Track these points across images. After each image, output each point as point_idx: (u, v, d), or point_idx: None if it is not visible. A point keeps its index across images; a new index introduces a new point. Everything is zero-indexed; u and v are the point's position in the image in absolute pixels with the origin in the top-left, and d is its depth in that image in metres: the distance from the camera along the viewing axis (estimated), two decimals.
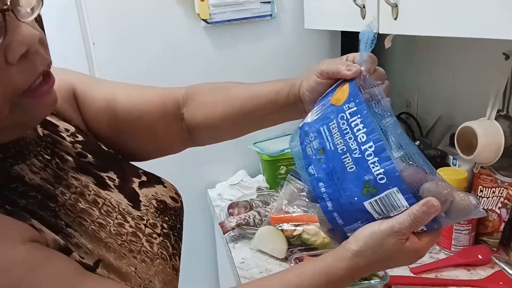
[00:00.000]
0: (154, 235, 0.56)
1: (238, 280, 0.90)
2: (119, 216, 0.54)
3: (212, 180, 1.35)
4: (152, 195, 0.61)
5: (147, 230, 0.55)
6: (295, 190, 1.03)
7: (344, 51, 1.39)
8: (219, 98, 0.66)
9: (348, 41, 1.44)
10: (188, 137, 0.69)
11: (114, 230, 0.51)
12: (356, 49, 1.40)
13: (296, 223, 0.95)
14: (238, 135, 0.71)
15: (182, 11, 1.20)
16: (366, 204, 0.49)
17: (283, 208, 1.00)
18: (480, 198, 0.95)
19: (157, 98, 0.66)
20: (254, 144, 1.32)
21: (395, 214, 0.49)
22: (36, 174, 0.49)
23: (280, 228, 0.95)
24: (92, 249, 0.47)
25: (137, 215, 0.56)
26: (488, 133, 0.82)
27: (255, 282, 0.57)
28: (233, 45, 1.27)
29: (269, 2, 1.24)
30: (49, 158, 0.52)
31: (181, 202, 0.65)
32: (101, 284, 0.44)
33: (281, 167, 1.29)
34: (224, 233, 1.04)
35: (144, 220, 0.56)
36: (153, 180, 0.63)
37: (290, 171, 1.17)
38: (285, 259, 0.93)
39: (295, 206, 1.00)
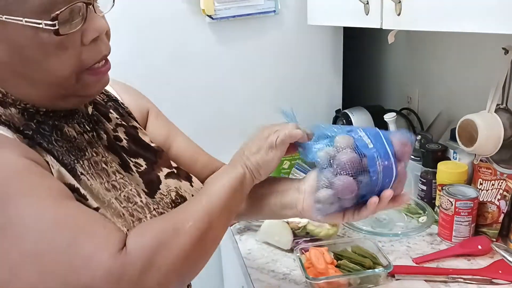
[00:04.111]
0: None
1: (245, 270, 0.92)
2: (133, 190, 0.60)
3: None
4: (175, 187, 0.67)
5: (154, 212, 0.61)
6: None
7: (346, 47, 1.41)
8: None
9: (350, 37, 1.46)
10: None
11: (124, 195, 0.58)
12: (358, 46, 1.44)
13: None
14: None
15: (187, 7, 1.21)
16: None
17: None
18: (480, 190, 0.97)
19: (200, 164, 0.78)
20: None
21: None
22: (76, 134, 0.59)
23: (285, 220, 0.97)
24: (97, 197, 0.54)
25: (146, 202, 0.61)
26: (488, 125, 0.84)
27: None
28: (237, 40, 1.28)
29: None
30: (88, 129, 0.61)
31: None
32: (82, 208, 0.50)
33: (285, 161, 1.31)
34: (230, 225, 1.06)
35: (151, 208, 0.61)
36: (183, 175, 0.70)
37: (295, 165, 1.19)
38: (291, 250, 0.95)
39: None
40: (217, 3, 1.19)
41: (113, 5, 0.57)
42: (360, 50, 1.65)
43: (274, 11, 1.27)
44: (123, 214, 0.55)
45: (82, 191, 0.52)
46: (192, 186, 0.70)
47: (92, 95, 0.60)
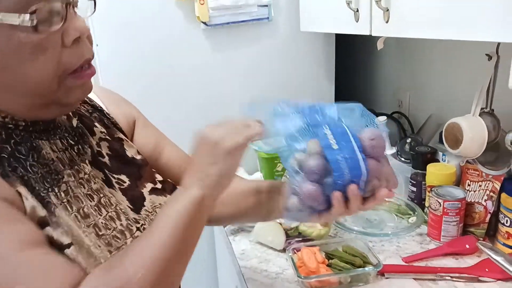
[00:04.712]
0: None
1: (239, 270, 0.94)
2: (113, 213, 0.57)
3: None
4: (160, 203, 0.64)
5: (137, 233, 0.58)
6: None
7: (338, 53, 1.44)
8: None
9: (342, 43, 1.50)
10: None
11: (102, 222, 0.55)
12: (350, 52, 1.48)
13: None
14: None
15: (182, 14, 1.24)
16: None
17: None
18: (468, 191, 1.00)
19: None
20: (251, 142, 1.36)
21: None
22: (54, 152, 0.55)
23: (278, 221, 0.99)
24: (71, 231, 0.51)
25: (133, 217, 0.59)
26: (472, 128, 0.87)
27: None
28: (231, 47, 1.31)
29: (266, 6, 1.28)
30: (72, 143, 0.59)
31: None
32: (51, 255, 0.48)
33: (278, 164, 1.33)
34: (224, 226, 1.08)
35: (139, 223, 0.59)
36: (168, 189, 0.67)
37: None
38: (284, 250, 0.98)
39: None
40: (211, 10, 1.22)
41: (94, 11, 0.55)
42: (352, 56, 1.68)
43: (268, 18, 1.30)
44: (99, 246, 0.52)
45: (53, 226, 0.50)
46: None
47: (75, 102, 0.57)
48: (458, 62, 1.17)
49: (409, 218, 1.09)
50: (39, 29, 0.46)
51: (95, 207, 0.56)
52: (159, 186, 0.67)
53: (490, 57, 0.88)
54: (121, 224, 0.57)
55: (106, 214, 0.56)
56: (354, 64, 1.72)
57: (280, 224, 0.99)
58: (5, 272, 0.44)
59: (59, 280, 0.46)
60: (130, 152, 0.67)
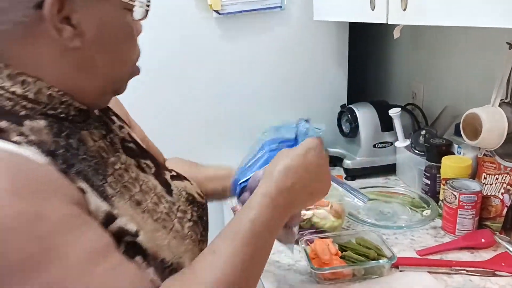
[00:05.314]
0: (185, 219, 0.61)
1: None
2: (154, 197, 0.58)
3: None
4: (182, 187, 0.66)
5: (179, 214, 0.60)
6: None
7: (351, 42, 1.42)
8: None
9: (356, 32, 1.47)
10: None
11: (150, 206, 0.56)
12: (363, 41, 1.46)
13: (306, 207, 0.99)
14: None
15: (194, 2, 1.22)
16: None
17: None
18: (484, 185, 0.98)
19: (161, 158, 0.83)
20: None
21: None
22: (96, 142, 0.55)
23: None
24: (133, 218, 0.51)
25: (170, 200, 0.61)
26: (492, 119, 0.85)
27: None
28: (244, 35, 1.29)
29: None
30: (104, 133, 0.59)
31: (206, 199, 0.72)
32: (121, 266, 0.46)
33: None
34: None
35: (176, 205, 0.61)
36: (181, 176, 0.70)
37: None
38: (296, 242, 0.96)
39: None
40: None
41: (145, 17, 0.58)
42: (365, 45, 1.66)
43: (280, 6, 1.28)
44: (157, 231, 0.54)
45: (118, 219, 0.49)
46: (191, 184, 0.70)
47: (123, 91, 0.59)
48: (476, 51, 1.14)
49: (423, 211, 1.08)
50: (137, 17, 0.54)
51: (141, 193, 0.56)
52: (174, 173, 0.68)
53: (511, 46, 0.86)
54: (164, 207, 0.58)
55: (151, 200, 0.57)
56: (367, 53, 1.69)
57: None
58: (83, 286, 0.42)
59: None
60: (140, 142, 0.68)
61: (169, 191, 0.63)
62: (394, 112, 1.18)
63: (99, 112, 0.62)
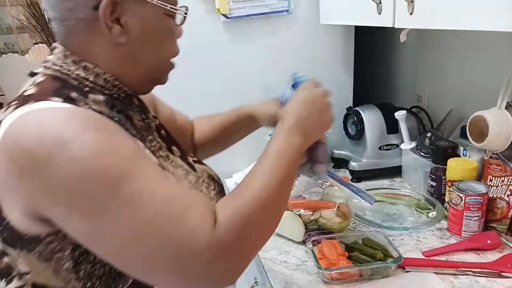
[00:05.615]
0: (210, 189, 0.72)
1: (258, 261, 0.95)
2: (183, 171, 0.70)
3: (229, 170, 1.40)
4: (204, 169, 0.77)
5: (204, 184, 0.71)
6: (312, 178, 1.07)
7: (357, 45, 1.43)
8: (207, 127, 1.00)
9: (362, 36, 1.48)
10: (194, 153, 0.97)
11: (181, 176, 0.68)
12: (369, 45, 1.47)
13: (313, 208, 1.00)
14: (222, 149, 1.04)
15: (202, 6, 1.24)
16: None
17: (301, 194, 1.05)
18: (490, 187, 0.99)
19: (188, 122, 0.99)
20: (269, 135, 1.37)
21: None
22: (138, 121, 0.68)
23: (297, 213, 1.00)
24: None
25: (195, 174, 0.72)
26: (498, 121, 0.86)
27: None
28: (251, 39, 1.31)
29: None
30: (143, 117, 0.71)
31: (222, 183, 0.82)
32: (181, 185, 0.63)
33: None
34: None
35: (201, 178, 0.72)
36: (201, 161, 0.80)
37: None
38: (303, 242, 0.98)
39: (312, 193, 1.04)
40: (231, 3, 1.22)
41: (182, 23, 0.69)
42: (372, 48, 1.67)
43: (287, 10, 1.30)
44: (190, 188, 0.66)
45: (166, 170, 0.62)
46: (210, 168, 0.80)
47: (164, 82, 0.70)
48: (481, 54, 1.15)
49: (428, 212, 1.09)
50: (178, 22, 0.66)
51: (172, 168, 0.68)
52: (195, 158, 0.79)
53: None
54: (192, 178, 0.70)
55: (181, 171, 0.69)
56: (373, 57, 1.70)
57: (300, 216, 0.99)
58: (158, 193, 0.52)
59: (199, 199, 0.59)
60: (169, 131, 0.79)
61: (193, 169, 0.73)
62: (400, 115, 1.20)
63: (139, 102, 0.73)
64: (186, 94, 1.30)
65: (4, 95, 3.97)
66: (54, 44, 0.63)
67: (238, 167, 1.41)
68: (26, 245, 0.54)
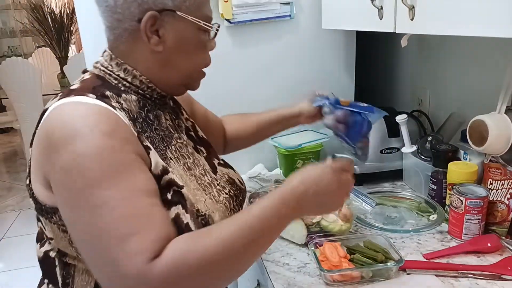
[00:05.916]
0: (222, 192, 0.77)
1: (261, 263, 0.96)
2: (202, 170, 0.77)
3: None
4: (226, 172, 0.83)
5: (218, 187, 0.77)
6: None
7: (358, 50, 1.45)
8: (240, 124, 1.10)
9: (363, 40, 1.50)
10: (224, 147, 1.09)
11: (198, 174, 0.75)
12: (370, 49, 1.48)
13: None
14: (251, 144, 1.13)
15: None
16: None
17: None
18: (490, 190, 1.00)
19: (218, 120, 1.10)
20: (272, 139, 1.38)
21: None
22: (167, 121, 0.77)
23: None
24: (182, 177, 0.69)
25: (213, 177, 0.78)
26: (498, 125, 0.87)
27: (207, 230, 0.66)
28: (254, 44, 1.33)
29: (289, 3, 1.29)
30: (174, 118, 0.80)
31: (245, 186, 0.87)
32: (157, 207, 0.61)
33: (298, 161, 1.34)
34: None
35: (217, 181, 0.78)
36: (227, 165, 0.87)
37: (308, 164, 1.23)
38: (305, 245, 0.99)
39: None
40: (235, 8, 1.24)
41: (214, 36, 0.75)
42: (373, 53, 1.68)
43: (290, 15, 1.31)
44: (198, 190, 0.71)
45: (170, 173, 0.66)
46: (235, 172, 0.87)
47: (196, 88, 0.79)
48: (482, 59, 1.16)
49: (429, 216, 1.10)
50: (211, 37, 0.74)
51: (192, 164, 0.75)
52: (221, 161, 0.86)
53: None
54: (208, 179, 0.76)
55: (199, 170, 0.76)
56: (374, 61, 1.72)
57: (302, 219, 1.00)
58: (119, 208, 0.56)
59: (157, 229, 0.58)
60: (200, 133, 0.87)
61: (214, 171, 0.80)
62: (401, 119, 1.21)
63: (174, 104, 0.83)
64: None
65: (7, 98, 3.99)
66: (105, 48, 0.74)
67: (241, 170, 1.41)
68: (46, 215, 0.66)
